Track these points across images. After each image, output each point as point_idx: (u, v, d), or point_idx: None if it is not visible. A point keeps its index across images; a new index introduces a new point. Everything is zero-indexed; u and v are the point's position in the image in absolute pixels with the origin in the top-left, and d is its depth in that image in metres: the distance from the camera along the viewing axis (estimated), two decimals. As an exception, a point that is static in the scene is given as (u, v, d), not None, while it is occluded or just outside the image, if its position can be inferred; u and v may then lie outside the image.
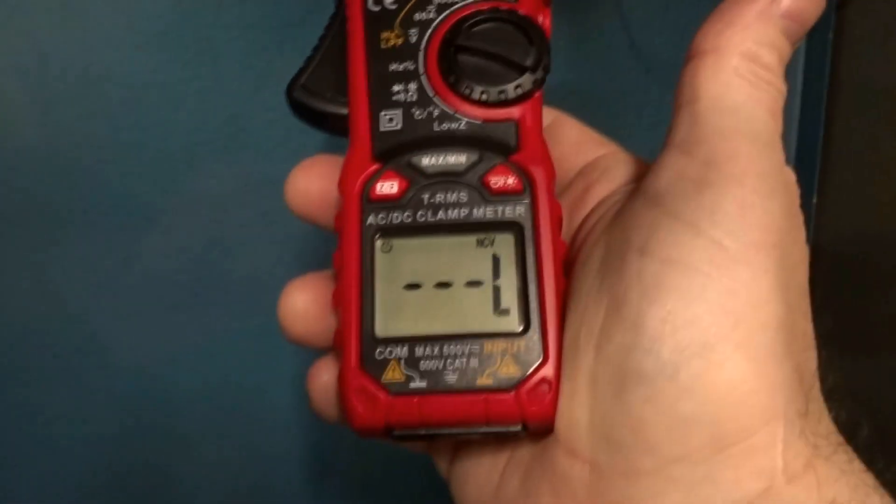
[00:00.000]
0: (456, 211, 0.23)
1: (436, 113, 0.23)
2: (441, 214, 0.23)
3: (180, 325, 0.46)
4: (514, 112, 0.23)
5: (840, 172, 0.46)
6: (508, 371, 0.21)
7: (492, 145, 0.23)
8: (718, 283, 0.19)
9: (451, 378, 0.21)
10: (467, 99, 0.23)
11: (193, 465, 0.49)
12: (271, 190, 0.32)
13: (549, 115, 0.27)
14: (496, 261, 0.22)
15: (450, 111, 0.23)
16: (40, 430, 0.47)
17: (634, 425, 0.19)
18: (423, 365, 0.21)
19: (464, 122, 0.23)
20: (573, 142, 0.26)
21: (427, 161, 0.23)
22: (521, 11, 0.23)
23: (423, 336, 0.22)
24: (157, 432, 0.48)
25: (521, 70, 0.23)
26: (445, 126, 0.23)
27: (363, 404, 0.21)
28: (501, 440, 0.23)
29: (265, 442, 0.49)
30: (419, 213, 0.23)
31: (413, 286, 0.22)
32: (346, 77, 0.24)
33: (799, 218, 0.21)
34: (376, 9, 0.24)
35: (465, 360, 0.21)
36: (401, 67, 0.23)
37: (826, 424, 0.20)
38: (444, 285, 0.22)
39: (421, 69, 0.23)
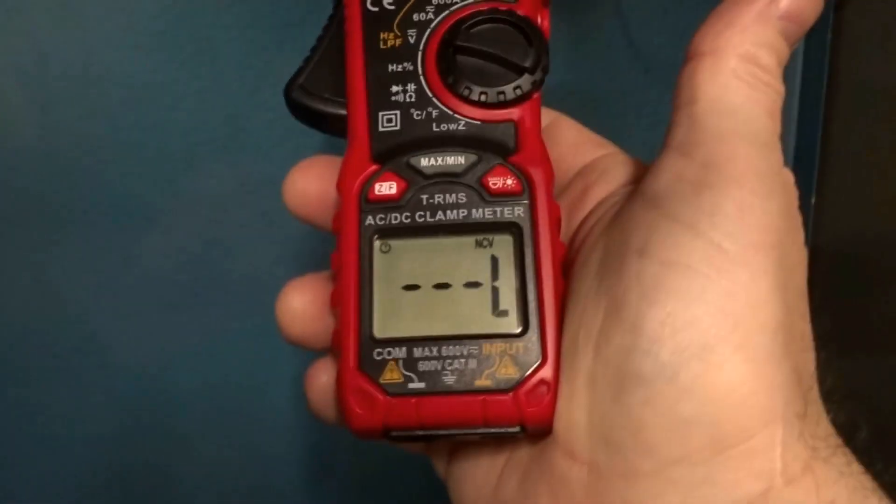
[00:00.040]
0: (455, 212, 0.23)
1: (434, 114, 0.23)
2: (440, 215, 0.23)
3: (180, 325, 0.46)
4: (513, 113, 0.23)
5: (838, 173, 0.46)
6: (507, 372, 0.21)
7: (490, 146, 0.23)
8: (717, 284, 0.19)
9: (449, 379, 0.21)
10: (466, 100, 0.23)
11: (193, 465, 0.49)
12: (270, 190, 0.32)
13: (548, 115, 0.27)
14: (495, 262, 0.22)
15: (448, 112, 0.23)
16: (40, 430, 0.47)
17: (633, 427, 0.19)
18: (422, 366, 0.21)
19: (462, 123, 0.23)
20: (572, 143, 0.26)
21: (426, 162, 0.23)
22: (520, 12, 0.23)
23: (422, 337, 0.22)
24: (157, 432, 0.48)
25: (520, 71, 0.23)
26: (444, 127, 0.23)
27: (361, 405, 0.21)
28: (500, 441, 0.22)
29: (264, 442, 0.49)
30: (418, 213, 0.23)
31: (411, 287, 0.22)
32: (345, 77, 0.24)
33: (797, 219, 0.21)
34: (375, 9, 0.24)
35: (463, 361, 0.21)
36: (399, 68, 0.23)
37: (825, 426, 0.20)
38: (442, 286, 0.22)
39: (419, 70, 0.23)
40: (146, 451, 0.48)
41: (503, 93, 0.23)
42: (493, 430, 0.21)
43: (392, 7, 0.24)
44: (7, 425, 0.47)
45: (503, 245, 0.22)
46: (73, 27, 0.40)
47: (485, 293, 0.22)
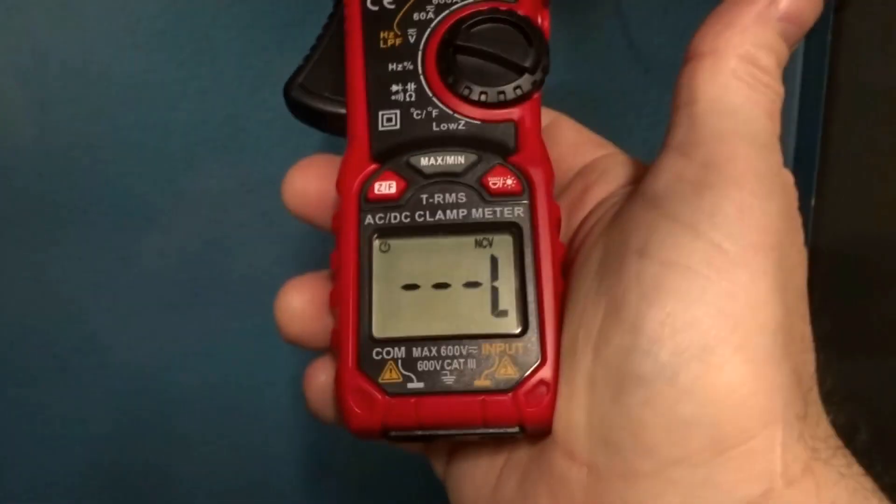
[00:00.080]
0: (454, 212, 0.23)
1: (434, 113, 0.23)
2: (439, 215, 0.23)
3: (179, 325, 0.46)
4: (513, 113, 0.23)
5: (838, 174, 0.46)
6: (506, 372, 0.21)
7: (490, 146, 0.23)
8: (717, 285, 0.19)
9: (448, 379, 0.21)
10: (466, 99, 0.23)
11: (192, 465, 0.49)
12: (270, 190, 0.32)
13: (548, 115, 0.27)
14: (494, 262, 0.22)
15: (448, 112, 0.23)
16: (39, 430, 0.47)
17: (633, 427, 0.19)
18: (421, 366, 0.21)
19: (462, 123, 0.23)
20: (572, 143, 0.26)
21: (425, 161, 0.23)
22: (520, 12, 0.23)
23: (421, 337, 0.22)
24: (156, 432, 0.48)
25: (520, 71, 0.23)
26: (444, 126, 0.23)
27: (360, 405, 0.21)
28: (499, 442, 0.22)
29: (263, 442, 0.49)
30: (417, 213, 0.23)
31: (411, 287, 0.22)
32: (344, 77, 0.24)
33: (797, 220, 0.21)
34: (375, 8, 0.24)
35: (462, 361, 0.21)
36: (399, 67, 0.23)
37: (824, 427, 0.20)
38: (442, 286, 0.22)
39: (419, 69, 0.23)
40: (145, 451, 0.48)
41: (503, 93, 0.23)
42: (492, 431, 0.21)
43: (392, 6, 0.24)
44: (7, 425, 0.47)
45: (503, 245, 0.22)
46: (73, 26, 0.40)
47: (484, 293, 0.22)
